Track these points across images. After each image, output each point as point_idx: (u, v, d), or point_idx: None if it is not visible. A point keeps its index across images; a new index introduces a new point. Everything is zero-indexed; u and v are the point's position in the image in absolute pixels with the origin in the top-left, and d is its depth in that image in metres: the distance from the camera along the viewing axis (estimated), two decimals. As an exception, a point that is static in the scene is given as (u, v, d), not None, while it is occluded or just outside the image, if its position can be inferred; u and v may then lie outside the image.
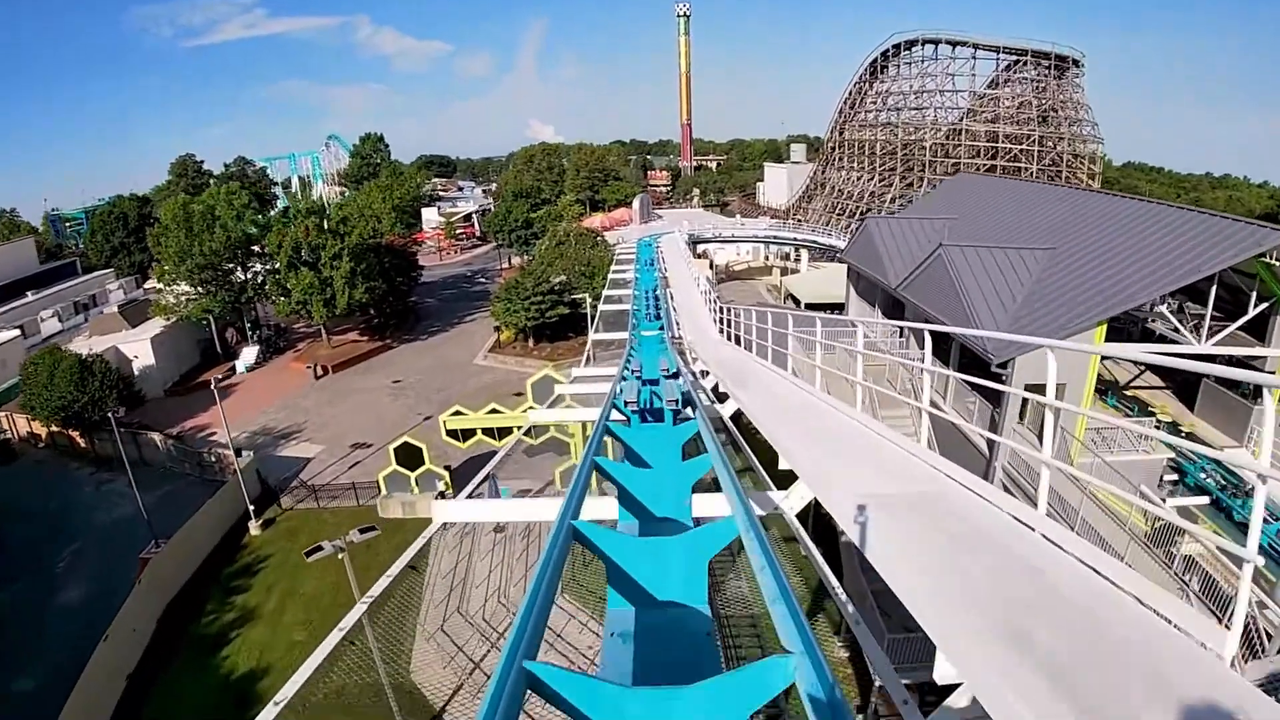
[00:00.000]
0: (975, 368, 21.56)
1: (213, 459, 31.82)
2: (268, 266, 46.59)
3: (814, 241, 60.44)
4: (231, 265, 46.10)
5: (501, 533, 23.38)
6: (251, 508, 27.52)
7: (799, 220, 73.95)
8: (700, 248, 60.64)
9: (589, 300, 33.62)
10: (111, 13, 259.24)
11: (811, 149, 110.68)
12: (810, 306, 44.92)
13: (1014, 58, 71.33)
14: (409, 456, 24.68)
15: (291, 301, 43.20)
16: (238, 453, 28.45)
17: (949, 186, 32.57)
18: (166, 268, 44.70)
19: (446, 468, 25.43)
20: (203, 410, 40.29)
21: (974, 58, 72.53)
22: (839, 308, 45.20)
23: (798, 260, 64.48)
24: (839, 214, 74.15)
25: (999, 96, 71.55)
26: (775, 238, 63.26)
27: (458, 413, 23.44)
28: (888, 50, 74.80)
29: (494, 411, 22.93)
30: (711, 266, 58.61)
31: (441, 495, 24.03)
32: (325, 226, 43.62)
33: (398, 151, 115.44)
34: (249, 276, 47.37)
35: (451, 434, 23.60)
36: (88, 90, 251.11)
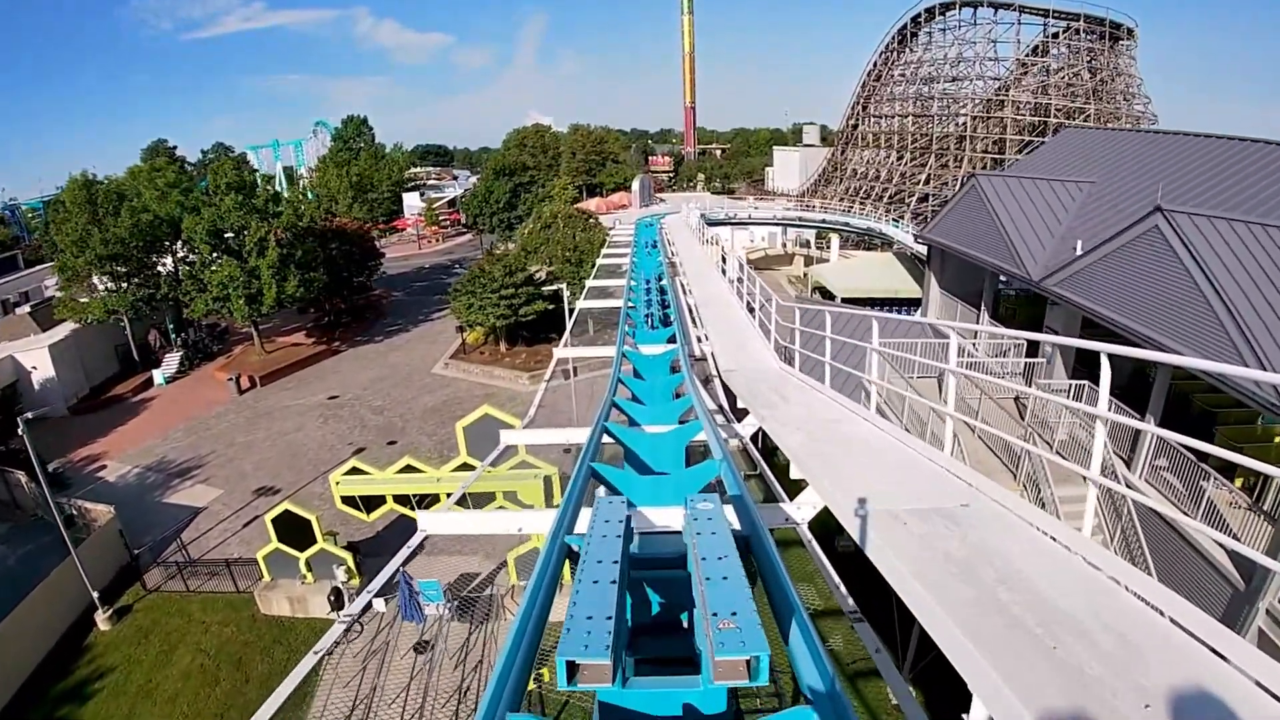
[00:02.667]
0: (1176, 419, 13.33)
1: (74, 511, 23.89)
2: (189, 256, 38.35)
3: (847, 224, 51.94)
4: (149, 256, 37.93)
5: (424, 654, 15.24)
6: (95, 595, 19.41)
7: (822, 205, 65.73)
8: (710, 232, 52.20)
9: (565, 291, 24.96)
10: (110, 5, 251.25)
11: (820, 137, 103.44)
12: (846, 302, 37.16)
13: (1064, 23, 63.05)
14: (294, 530, 16.47)
15: (208, 298, 34.79)
16: (67, 522, 20.23)
17: (1060, 144, 23.88)
18: (65, 259, 36.81)
19: (350, 546, 17.19)
20: (103, 434, 33.63)
21: (1018, 23, 64.24)
22: (885, 304, 37.37)
23: (822, 247, 56.04)
24: (862, 198, 66.16)
25: (1048, 65, 63.28)
26: (801, 220, 54.69)
27: (355, 470, 15.14)
28: (918, 16, 66.80)
29: (408, 470, 14.68)
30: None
31: (336, 592, 15.88)
32: (254, 206, 35.16)
33: (396, 142, 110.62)
34: (172, 268, 39.24)
35: (349, 501, 15.34)
36: (85, 83, 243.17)
